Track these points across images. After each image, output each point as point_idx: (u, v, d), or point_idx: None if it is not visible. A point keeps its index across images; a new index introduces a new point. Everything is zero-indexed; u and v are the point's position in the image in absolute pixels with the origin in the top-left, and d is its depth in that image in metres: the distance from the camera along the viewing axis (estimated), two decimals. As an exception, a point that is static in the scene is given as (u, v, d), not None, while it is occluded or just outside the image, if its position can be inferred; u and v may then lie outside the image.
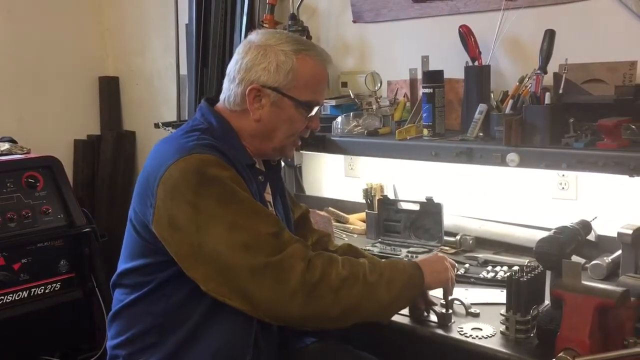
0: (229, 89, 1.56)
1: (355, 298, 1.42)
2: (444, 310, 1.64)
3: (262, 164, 1.67)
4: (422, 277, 1.54)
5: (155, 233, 1.43)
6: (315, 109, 1.58)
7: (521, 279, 1.52)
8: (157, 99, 3.36)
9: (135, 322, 1.51)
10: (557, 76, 1.83)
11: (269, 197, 1.65)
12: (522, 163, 1.76)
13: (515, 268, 1.70)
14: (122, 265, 1.56)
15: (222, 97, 1.59)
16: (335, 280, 1.40)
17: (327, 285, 1.39)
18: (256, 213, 1.42)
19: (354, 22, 2.51)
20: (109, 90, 3.55)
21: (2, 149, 2.58)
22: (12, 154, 2.58)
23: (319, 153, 2.44)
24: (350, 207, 2.57)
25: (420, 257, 1.62)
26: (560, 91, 1.79)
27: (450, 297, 1.65)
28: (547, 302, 1.56)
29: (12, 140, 2.74)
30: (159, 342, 1.46)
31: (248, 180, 1.49)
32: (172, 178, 1.40)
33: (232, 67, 1.56)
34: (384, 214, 2.33)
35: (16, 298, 2.34)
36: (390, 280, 1.47)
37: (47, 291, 2.42)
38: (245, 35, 1.99)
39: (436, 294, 1.78)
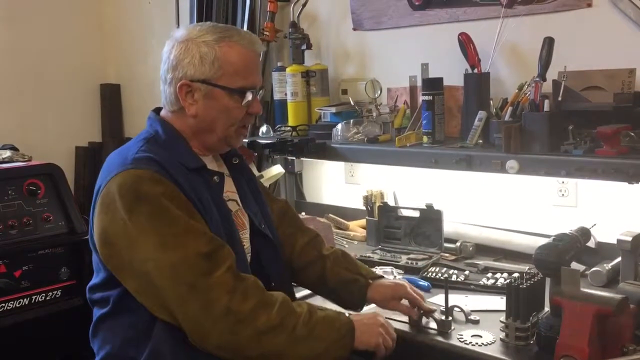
0: (164, 91, 1.56)
1: (277, 347, 1.39)
2: (443, 317, 1.64)
3: (223, 164, 1.66)
4: (352, 340, 1.46)
5: (96, 247, 1.46)
6: (250, 93, 1.54)
7: (521, 286, 1.53)
8: (159, 105, 3.36)
9: (110, 338, 1.50)
10: (556, 83, 1.84)
11: (234, 195, 1.64)
12: (522, 170, 1.76)
13: (515, 275, 1.70)
14: (90, 282, 1.57)
15: (162, 101, 1.60)
16: (263, 325, 1.37)
17: (252, 326, 1.37)
18: (188, 232, 1.39)
19: (355, 29, 2.52)
20: (110, 98, 3.56)
21: (3, 156, 2.59)
22: (13, 161, 2.58)
23: (320, 160, 2.44)
24: (350, 214, 2.58)
25: (358, 316, 1.57)
26: (559, 98, 1.80)
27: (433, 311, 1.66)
28: (546, 309, 1.56)
29: (13, 148, 2.75)
30: (136, 356, 1.44)
31: (195, 186, 1.48)
32: (109, 193, 1.42)
33: (162, 69, 1.56)
34: (384, 220, 2.33)
35: (17, 305, 2.34)
36: (318, 338, 1.42)
37: (47, 298, 2.42)
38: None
39: (438, 300, 1.79)
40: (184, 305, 1.37)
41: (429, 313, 1.67)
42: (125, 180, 1.41)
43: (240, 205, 1.64)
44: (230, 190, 1.63)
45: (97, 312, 1.55)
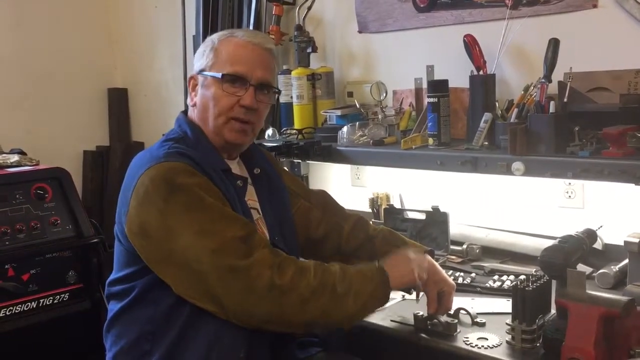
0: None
1: (322, 308, 1.42)
2: (449, 320, 1.64)
3: (246, 172, 1.68)
4: (388, 285, 1.51)
5: (130, 240, 1.47)
6: (239, 83, 1.55)
7: (527, 289, 1.52)
8: (165, 109, 3.38)
9: (126, 332, 1.53)
10: (561, 85, 1.83)
11: (255, 204, 1.66)
12: (528, 172, 1.76)
13: (522, 277, 1.69)
14: (110, 277, 1.60)
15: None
16: (305, 291, 1.40)
17: (296, 294, 1.40)
18: (223, 218, 1.43)
19: (360, 32, 2.52)
20: (118, 102, 3.58)
21: (11, 160, 2.60)
22: (21, 165, 2.60)
23: (325, 163, 2.44)
24: (356, 217, 2.57)
25: (389, 259, 1.57)
26: (565, 100, 1.79)
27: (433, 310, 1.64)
28: (553, 311, 1.55)
29: (21, 152, 2.76)
30: (152, 350, 1.47)
31: (223, 185, 1.51)
32: (143, 186, 1.44)
33: None
34: (390, 223, 2.33)
35: (25, 309, 2.35)
36: (357, 292, 1.45)
37: (55, 302, 2.43)
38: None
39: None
40: (228, 287, 1.39)
41: (435, 315, 1.66)
42: (159, 172, 1.44)
43: (261, 214, 1.66)
44: (252, 198, 1.65)
45: (114, 307, 1.56)
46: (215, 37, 1.61)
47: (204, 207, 1.42)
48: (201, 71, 1.59)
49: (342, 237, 1.80)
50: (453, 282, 1.71)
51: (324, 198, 1.89)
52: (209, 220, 1.42)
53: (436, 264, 1.69)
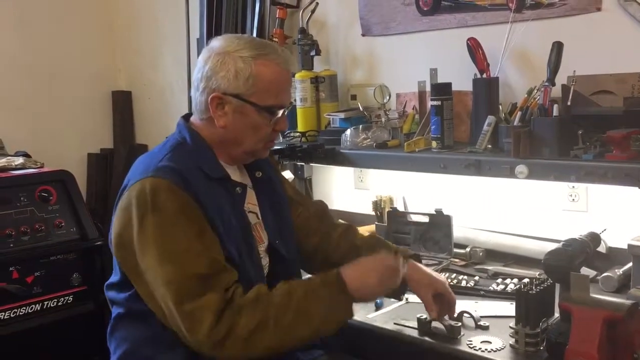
0: (195, 98, 1.56)
1: (266, 344, 1.39)
2: (453, 323, 1.64)
3: (247, 176, 1.66)
4: (349, 300, 1.44)
5: (111, 248, 1.51)
6: (280, 112, 1.55)
7: (530, 292, 1.52)
8: (169, 112, 3.38)
9: (128, 336, 1.54)
10: (565, 88, 1.83)
11: (255, 208, 1.65)
12: (531, 175, 1.76)
13: (525, 280, 1.69)
14: (108, 281, 1.61)
15: (192, 107, 1.61)
16: (243, 332, 1.37)
17: (235, 337, 1.37)
18: (189, 251, 1.40)
19: (363, 35, 2.52)
20: (122, 104, 3.59)
21: (16, 163, 2.61)
22: (25, 168, 2.60)
23: (329, 166, 2.45)
24: (360, 220, 2.57)
25: (354, 265, 1.49)
26: (569, 103, 1.79)
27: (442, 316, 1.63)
28: (556, 315, 1.54)
29: (26, 155, 2.77)
30: (154, 355, 1.48)
31: (216, 196, 1.49)
32: (127, 199, 1.46)
33: (195, 76, 1.56)
34: (393, 226, 2.33)
35: (29, 311, 2.36)
36: (308, 314, 1.41)
37: (59, 304, 2.44)
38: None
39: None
40: (174, 320, 1.40)
41: (440, 319, 1.66)
42: (143, 188, 1.43)
43: (260, 218, 1.65)
44: (251, 202, 1.64)
45: (114, 311, 1.58)
46: (247, 54, 1.49)
47: (173, 235, 1.41)
48: (237, 95, 1.50)
49: (331, 246, 1.79)
50: (443, 279, 1.70)
51: (322, 210, 1.88)
52: (174, 250, 1.40)
53: (421, 267, 1.67)
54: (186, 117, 1.64)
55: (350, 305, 1.45)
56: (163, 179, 1.44)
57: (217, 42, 1.55)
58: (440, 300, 1.63)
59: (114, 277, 1.57)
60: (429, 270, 1.69)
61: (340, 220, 1.93)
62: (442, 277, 1.72)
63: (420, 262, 1.73)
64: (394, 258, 1.53)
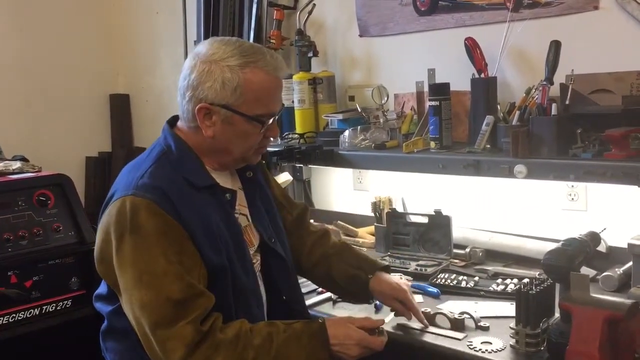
0: (182, 105, 1.52)
1: None
2: (456, 316, 1.64)
3: (237, 178, 1.64)
4: (327, 351, 1.45)
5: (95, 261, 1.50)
6: (270, 120, 1.51)
7: (530, 292, 1.51)
8: (167, 115, 3.28)
9: (116, 346, 1.54)
10: (563, 87, 1.83)
11: (245, 210, 1.62)
12: (530, 174, 1.75)
13: (525, 281, 1.68)
14: (96, 291, 1.62)
15: (179, 113, 1.57)
16: None
17: None
18: (166, 274, 1.37)
19: (361, 36, 2.52)
20: (120, 108, 3.58)
21: (13, 167, 2.60)
22: (23, 172, 2.59)
23: (327, 167, 2.44)
24: (359, 221, 2.57)
25: (340, 324, 1.51)
26: (567, 102, 1.79)
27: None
28: (557, 315, 1.54)
29: (23, 159, 2.76)
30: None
31: (203, 207, 1.46)
32: (109, 216, 1.44)
33: (181, 83, 1.51)
34: (392, 227, 2.32)
35: (28, 315, 2.35)
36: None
37: (58, 308, 2.42)
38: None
39: (447, 307, 1.78)
40: (147, 344, 1.40)
41: (433, 318, 1.68)
42: (124, 206, 1.41)
43: (250, 220, 1.63)
44: (241, 204, 1.62)
45: (104, 321, 1.58)
46: (234, 63, 1.44)
47: (151, 257, 1.37)
48: (225, 106, 1.45)
49: (304, 254, 1.78)
50: (405, 287, 1.70)
51: (303, 213, 1.85)
52: (150, 272, 1.37)
53: (385, 278, 1.70)
54: (172, 122, 1.59)
55: (327, 359, 1.46)
56: (143, 198, 1.40)
57: (203, 48, 1.49)
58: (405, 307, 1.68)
59: (102, 289, 1.57)
60: (392, 279, 1.72)
61: (316, 225, 1.92)
62: (405, 285, 1.72)
63: (389, 272, 1.76)
64: (380, 340, 1.52)
